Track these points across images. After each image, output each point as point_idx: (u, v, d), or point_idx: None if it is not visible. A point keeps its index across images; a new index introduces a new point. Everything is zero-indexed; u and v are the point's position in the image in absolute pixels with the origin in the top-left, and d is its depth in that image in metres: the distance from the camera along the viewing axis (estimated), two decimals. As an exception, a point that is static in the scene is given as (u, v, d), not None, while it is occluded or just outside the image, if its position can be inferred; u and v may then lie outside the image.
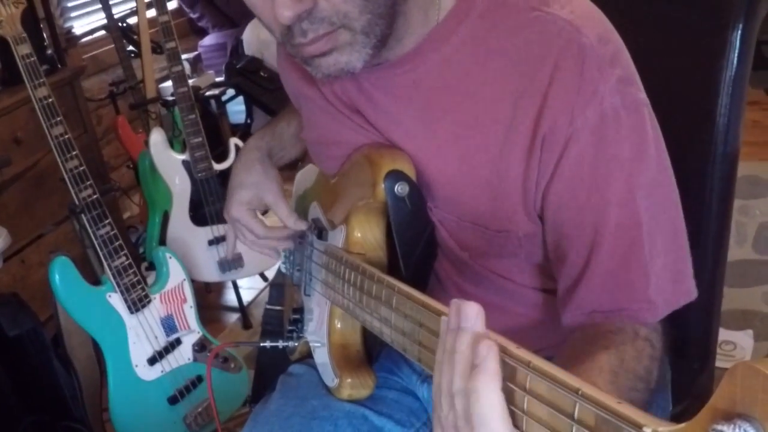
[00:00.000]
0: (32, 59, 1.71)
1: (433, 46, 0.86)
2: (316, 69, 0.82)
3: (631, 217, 0.80)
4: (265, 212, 1.21)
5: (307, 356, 1.09)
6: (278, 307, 1.24)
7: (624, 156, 0.79)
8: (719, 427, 0.40)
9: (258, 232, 1.11)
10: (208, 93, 2.84)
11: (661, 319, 0.83)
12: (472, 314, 0.59)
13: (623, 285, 0.81)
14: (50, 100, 1.71)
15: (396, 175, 0.87)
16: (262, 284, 2.78)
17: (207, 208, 2.39)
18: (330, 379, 0.99)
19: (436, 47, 0.85)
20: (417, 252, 0.91)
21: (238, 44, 3.61)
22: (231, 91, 3.24)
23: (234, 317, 2.67)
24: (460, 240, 0.91)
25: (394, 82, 0.89)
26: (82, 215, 1.73)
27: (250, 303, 2.70)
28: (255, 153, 1.15)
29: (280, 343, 1.06)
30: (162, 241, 2.40)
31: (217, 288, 2.83)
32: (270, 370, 1.17)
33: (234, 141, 2.49)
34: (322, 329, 0.99)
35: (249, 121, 3.58)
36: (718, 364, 1.13)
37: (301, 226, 1.07)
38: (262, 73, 3.40)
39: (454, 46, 0.85)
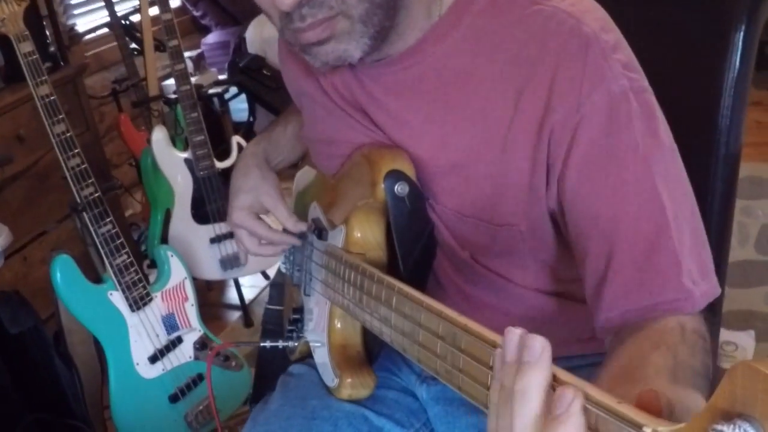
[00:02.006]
0: (34, 57, 1.71)
1: (434, 41, 0.86)
2: (314, 57, 0.83)
3: (653, 201, 0.76)
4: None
5: (307, 356, 1.09)
6: (278, 307, 1.24)
7: (637, 139, 0.77)
8: (719, 426, 0.39)
9: (261, 233, 1.10)
10: (210, 91, 2.84)
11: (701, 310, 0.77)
12: (537, 348, 0.52)
13: (654, 275, 0.76)
14: (52, 98, 1.71)
15: (396, 175, 0.87)
16: (263, 282, 2.78)
17: (209, 206, 2.39)
18: (330, 379, 0.99)
19: (438, 42, 0.86)
20: (416, 252, 0.91)
21: (240, 42, 3.61)
22: (234, 89, 3.25)
23: (235, 315, 2.68)
24: (461, 237, 0.91)
25: (396, 77, 0.89)
26: (84, 213, 1.73)
27: (252, 301, 2.70)
28: (252, 158, 1.15)
29: (280, 343, 1.06)
30: (164, 239, 2.40)
31: (219, 286, 2.83)
32: (270, 370, 1.17)
33: (236, 139, 2.50)
34: (322, 329, 0.99)
35: (251, 119, 3.58)
36: (720, 364, 1.12)
37: (301, 227, 1.07)
38: (264, 72, 3.39)
39: (456, 41, 0.85)
